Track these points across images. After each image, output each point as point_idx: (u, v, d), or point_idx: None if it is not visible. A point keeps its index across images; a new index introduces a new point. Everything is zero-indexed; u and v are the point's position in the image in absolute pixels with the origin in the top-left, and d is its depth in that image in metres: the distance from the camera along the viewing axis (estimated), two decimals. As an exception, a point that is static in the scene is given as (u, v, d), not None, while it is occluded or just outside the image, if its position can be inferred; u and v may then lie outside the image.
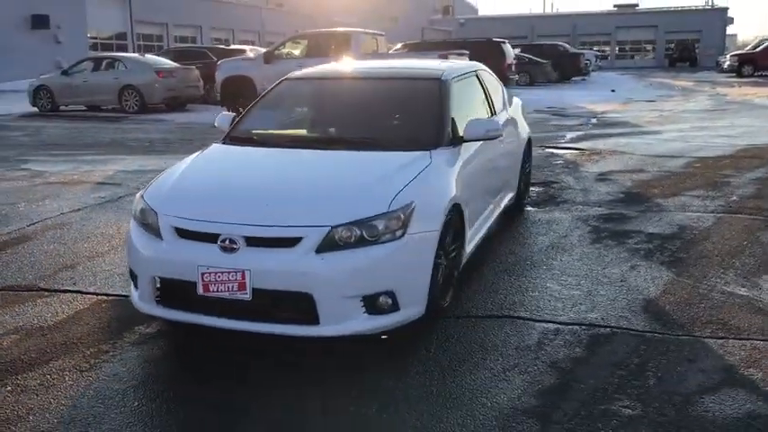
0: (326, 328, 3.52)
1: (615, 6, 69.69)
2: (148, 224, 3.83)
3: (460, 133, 4.56)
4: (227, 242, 3.53)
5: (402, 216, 3.63)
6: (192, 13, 44.93)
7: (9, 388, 3.34)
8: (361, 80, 5.30)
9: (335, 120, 4.94)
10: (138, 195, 4.12)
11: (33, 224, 6.41)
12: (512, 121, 6.04)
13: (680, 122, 14.43)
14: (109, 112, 18.23)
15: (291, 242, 3.51)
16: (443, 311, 4.07)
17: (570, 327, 3.94)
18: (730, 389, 3.21)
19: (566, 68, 34.07)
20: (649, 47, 66.74)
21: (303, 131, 4.82)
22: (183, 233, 3.68)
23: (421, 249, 3.72)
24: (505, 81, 21.69)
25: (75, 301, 4.47)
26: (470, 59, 20.30)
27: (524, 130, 6.44)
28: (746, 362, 3.48)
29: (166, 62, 18.76)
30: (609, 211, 6.53)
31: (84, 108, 18.99)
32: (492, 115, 5.58)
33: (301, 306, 3.49)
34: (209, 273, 3.52)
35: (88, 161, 10.12)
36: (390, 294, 3.60)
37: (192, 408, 3.16)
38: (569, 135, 12.47)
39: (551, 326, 3.96)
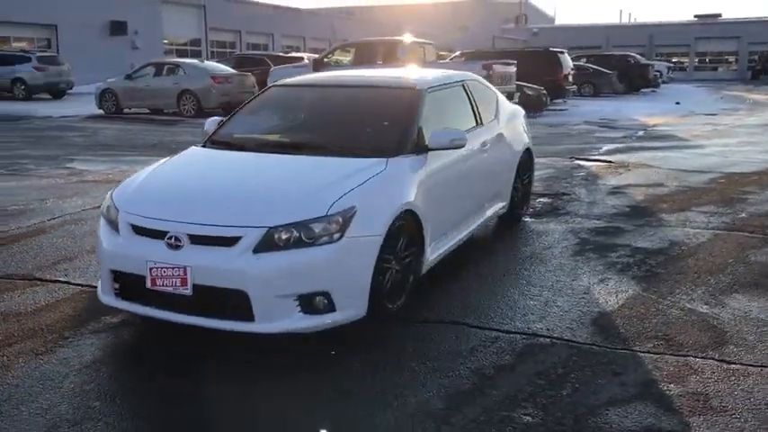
0: (261, 326, 3.68)
1: (696, 17, 67.58)
2: (112, 220, 4.09)
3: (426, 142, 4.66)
4: (172, 239, 3.75)
5: (340, 220, 3.76)
6: (264, 21, 46.14)
7: (-34, 365, 3.65)
8: (341, 89, 5.46)
9: (310, 126, 5.13)
10: (108, 193, 4.40)
11: (53, 219, 6.84)
12: (503, 132, 6.07)
13: (729, 137, 13.99)
14: (168, 116, 19.01)
15: (230, 241, 3.70)
16: (392, 315, 4.16)
17: (511, 335, 3.99)
18: (640, 403, 3.20)
19: (634, 79, 33.37)
20: (731, 58, 64.44)
21: (277, 136, 5.00)
22: (138, 230, 3.92)
23: (360, 253, 3.83)
24: (561, 91, 21.63)
25: (59, 291, 4.79)
26: (526, 69, 20.42)
27: (521, 141, 6.44)
28: (671, 377, 3.45)
29: (224, 68, 19.42)
30: (606, 225, 6.48)
31: (148, 111, 19.85)
32: (478, 125, 5.65)
33: (237, 303, 3.67)
34: (156, 268, 3.75)
35: (128, 161, 10.64)
36: (326, 295, 3.74)
37: (124, 395, 3.38)
38: (606, 147, 12.27)
39: (493, 333, 4.01)
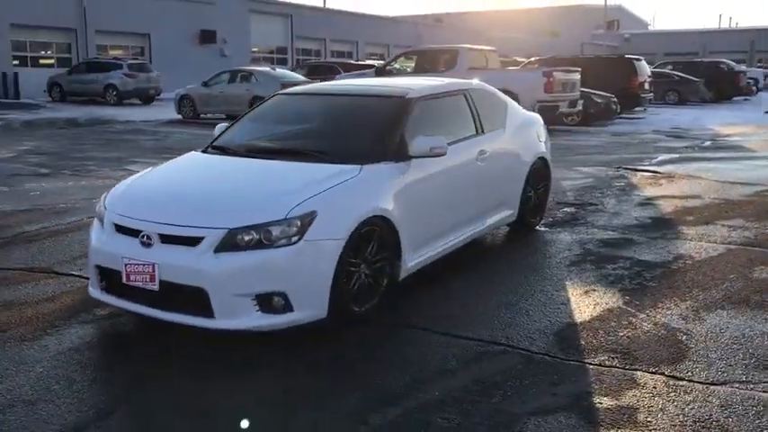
0: (220, 322, 3.89)
1: (803, 20, 63.91)
2: (101, 219, 4.41)
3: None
4: (144, 238, 4.02)
5: (299, 223, 3.92)
6: (349, 29, 46.91)
7: (-41, 347, 4.02)
8: (336, 97, 5.62)
9: (300, 132, 5.32)
10: (104, 194, 4.72)
11: (91, 217, 7.31)
12: (509, 141, 6.07)
13: (803, 149, 13.27)
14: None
15: (194, 241, 3.92)
16: (361, 317, 4.26)
17: (468, 342, 4.03)
18: (564, 414, 3.20)
19: (723, 87, 31.89)
20: None
21: (267, 142, 5.20)
22: (119, 228, 4.22)
23: (319, 255, 3.98)
24: (636, 99, 21.00)
25: (68, 284, 5.16)
26: (600, 77, 19.96)
27: (533, 150, 6.40)
28: (608, 390, 3.42)
29: (294, 76, 19.97)
30: (618, 236, 6.35)
31: (224, 116, 20.61)
32: (478, 134, 5.68)
33: (198, 300, 3.88)
34: (130, 264, 4.02)
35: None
36: (283, 295, 3.90)
37: (84, 381, 3.64)
38: (661, 157, 11.89)
39: (450, 340, 4.06)
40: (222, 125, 5.68)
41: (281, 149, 4.96)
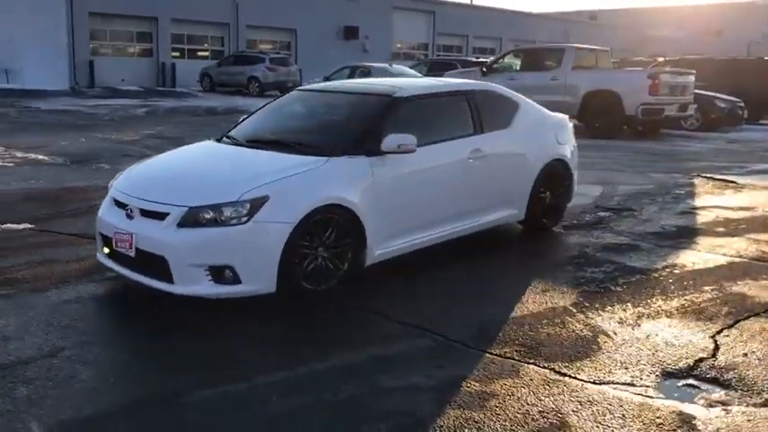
0: (178, 287, 4.49)
1: None
2: (109, 194, 5.16)
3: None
4: (129, 211, 4.70)
5: (249, 206, 4.43)
6: (492, 25, 46.70)
7: (-15, 292, 4.89)
8: (336, 94, 6.04)
9: (297, 126, 5.81)
10: (119, 173, 5.48)
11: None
12: (515, 142, 6.20)
13: None
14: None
15: (162, 216, 4.54)
16: (316, 295, 4.69)
17: (396, 324, 4.34)
18: (424, 392, 3.47)
19: None
20: None
21: (266, 134, 5.71)
22: (115, 203, 4.94)
23: (266, 235, 4.46)
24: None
25: (100, 249, 5.99)
26: (732, 80, 18.81)
27: (547, 151, 6.45)
28: (482, 377, 3.63)
29: (409, 72, 20.50)
30: (627, 242, 6.32)
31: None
32: (476, 133, 5.89)
33: (162, 267, 4.50)
34: (117, 233, 4.72)
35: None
36: (231, 269, 4.44)
37: (61, 328, 4.35)
38: (757, 167, 11.23)
39: (383, 321, 4.40)
40: (244, 117, 6.30)
41: (274, 141, 5.47)
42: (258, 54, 30.78)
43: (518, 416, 3.26)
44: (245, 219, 4.43)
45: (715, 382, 3.65)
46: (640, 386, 3.58)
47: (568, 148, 6.82)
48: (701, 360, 3.88)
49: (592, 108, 15.02)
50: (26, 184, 8.88)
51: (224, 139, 5.85)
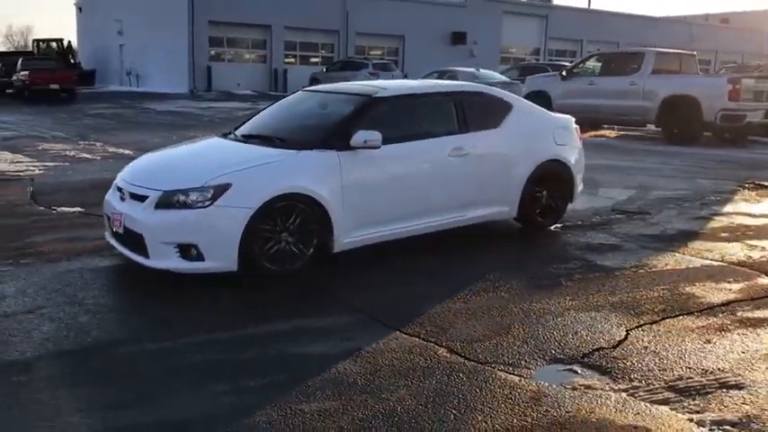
0: (152, 261, 5.11)
1: None
2: (117, 181, 5.89)
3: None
4: (122, 194, 5.39)
5: (212, 192, 4.99)
6: (609, 29, 45.40)
7: (11, 260, 5.72)
8: (329, 94, 6.46)
9: (287, 123, 6.29)
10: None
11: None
12: (501, 141, 6.40)
13: None
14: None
15: (143, 199, 5.19)
16: (275, 275, 5.16)
17: (337, 304, 4.76)
18: (328, 358, 3.86)
19: None
20: None
21: (260, 130, 6.24)
22: (116, 187, 5.64)
23: (226, 218, 4.98)
24: None
25: (125, 231, 6.75)
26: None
27: (541, 151, 6.59)
28: (382, 352, 3.94)
29: (494, 76, 20.59)
30: (615, 243, 6.37)
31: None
32: (460, 132, 6.16)
33: (140, 243, 5.15)
34: (113, 213, 5.43)
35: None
36: (195, 247, 5.01)
37: (61, 289, 5.09)
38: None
39: (327, 301, 4.83)
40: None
41: (264, 136, 5.99)
42: (363, 60, 31.78)
43: (382, 382, 3.59)
44: (208, 203, 4.98)
45: (596, 368, 3.80)
46: (522, 368, 3.80)
47: (569, 149, 6.92)
48: (597, 349, 4.03)
49: (670, 113, 14.60)
50: (99, 174, 9.91)
51: (229, 135, 6.45)
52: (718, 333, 4.29)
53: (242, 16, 32.79)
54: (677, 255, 5.99)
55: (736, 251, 6.10)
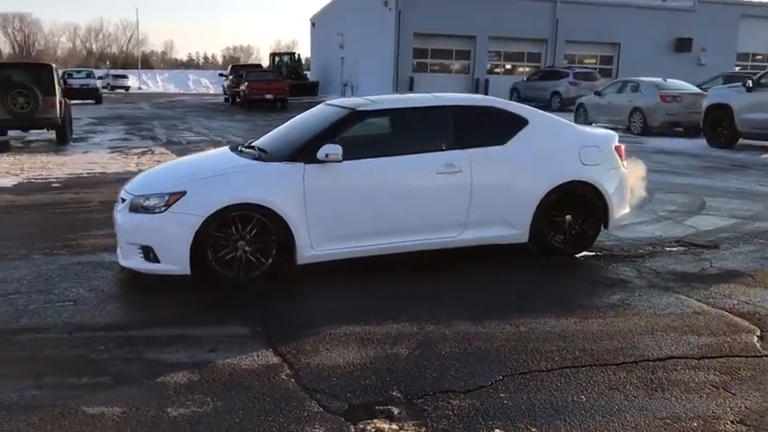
0: (123, 260, 5.56)
1: None
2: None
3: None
4: (121, 200, 5.90)
5: (167, 198, 5.29)
6: None
7: (40, 251, 6.51)
8: (333, 107, 6.34)
9: (282, 134, 6.33)
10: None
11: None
12: (507, 159, 5.93)
13: None
14: (621, 132, 19.31)
15: (123, 202, 5.64)
16: (232, 281, 5.34)
17: (252, 317, 4.81)
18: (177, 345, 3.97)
19: None
20: None
21: (258, 143, 6.35)
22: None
23: (178, 224, 5.24)
24: None
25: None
26: None
27: (555, 171, 5.98)
28: (231, 360, 3.96)
29: (684, 87, 18.72)
30: (631, 278, 5.60)
31: (607, 126, 20.36)
32: (458, 149, 5.82)
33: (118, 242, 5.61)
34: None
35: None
36: (151, 249, 5.34)
37: (73, 275, 5.71)
38: None
39: (245, 315, 4.90)
40: (287, 127, 7.08)
41: (258, 147, 6.11)
42: (564, 69, 30.62)
43: (194, 396, 3.59)
44: (163, 208, 5.29)
45: (418, 413, 3.44)
46: (341, 401, 3.55)
47: (601, 169, 6.20)
48: (445, 392, 3.64)
49: None
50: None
51: (240, 145, 6.71)
52: (606, 390, 3.64)
53: (447, 27, 33.30)
54: (682, 297, 5.12)
55: (755, 301, 5.05)
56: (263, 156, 5.75)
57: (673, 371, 3.87)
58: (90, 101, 35.31)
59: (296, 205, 5.38)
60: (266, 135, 6.68)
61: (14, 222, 7.94)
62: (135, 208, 5.43)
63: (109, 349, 4.21)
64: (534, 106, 6.94)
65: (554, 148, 6.16)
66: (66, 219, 8.03)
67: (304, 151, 5.55)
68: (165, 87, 63.58)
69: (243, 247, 5.36)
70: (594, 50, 36.86)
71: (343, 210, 5.55)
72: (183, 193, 5.27)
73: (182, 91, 59.12)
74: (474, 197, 5.86)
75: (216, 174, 5.47)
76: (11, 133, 17.42)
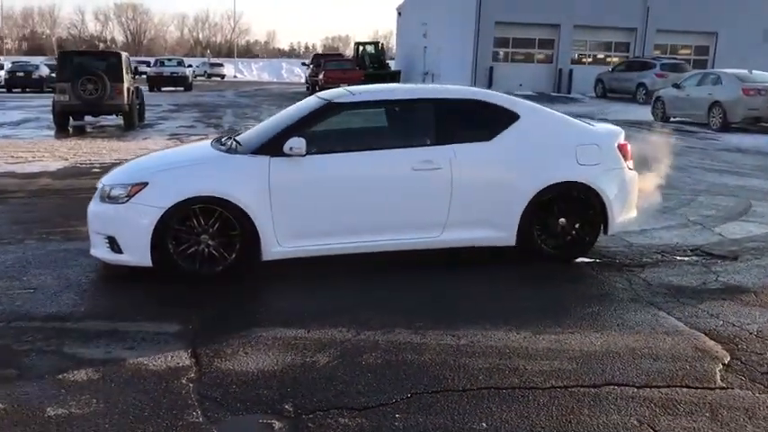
0: (92, 250, 5.55)
1: None
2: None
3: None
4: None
5: (130, 189, 5.23)
6: None
7: (33, 239, 6.62)
8: (318, 98, 6.09)
9: (264, 127, 6.07)
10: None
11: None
12: (493, 156, 5.55)
13: None
14: (697, 127, 18.10)
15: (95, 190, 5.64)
16: (193, 275, 5.24)
17: (193, 312, 4.68)
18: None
19: None
20: None
21: (243, 133, 6.19)
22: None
23: (138, 215, 5.17)
24: None
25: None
26: None
27: (546, 171, 5.54)
28: (137, 360, 3.84)
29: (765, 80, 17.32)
30: (616, 290, 5.12)
31: (685, 120, 19.10)
32: (437, 144, 5.50)
33: (89, 232, 5.62)
34: (93, 203, 6.00)
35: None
36: (114, 239, 5.30)
37: (59, 262, 5.80)
38: None
39: (198, 311, 4.78)
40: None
41: (235, 140, 5.94)
42: (651, 60, 29.06)
43: (99, 383, 3.51)
44: (125, 199, 5.23)
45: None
46: (225, 412, 3.37)
47: (600, 170, 5.70)
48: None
49: None
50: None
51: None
52: (514, 418, 3.27)
53: (530, 16, 32.24)
54: (661, 314, 4.60)
55: (748, 323, 4.48)
56: (235, 148, 5.61)
57: (602, 401, 3.45)
58: (180, 88, 36.49)
59: (260, 199, 5.21)
60: (253, 127, 6.54)
61: (34, 207, 8.15)
62: (103, 197, 5.40)
63: (34, 341, 4.17)
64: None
65: (546, 147, 5.71)
66: (81, 205, 8.13)
67: (270, 144, 5.37)
68: (260, 76, 65.08)
69: (206, 240, 5.24)
70: (688, 40, 34.81)
71: (310, 206, 5.34)
72: (144, 184, 5.20)
73: (274, 79, 60.37)
74: (455, 196, 5.51)
75: (180, 166, 5.37)
76: (87, 119, 18.13)
